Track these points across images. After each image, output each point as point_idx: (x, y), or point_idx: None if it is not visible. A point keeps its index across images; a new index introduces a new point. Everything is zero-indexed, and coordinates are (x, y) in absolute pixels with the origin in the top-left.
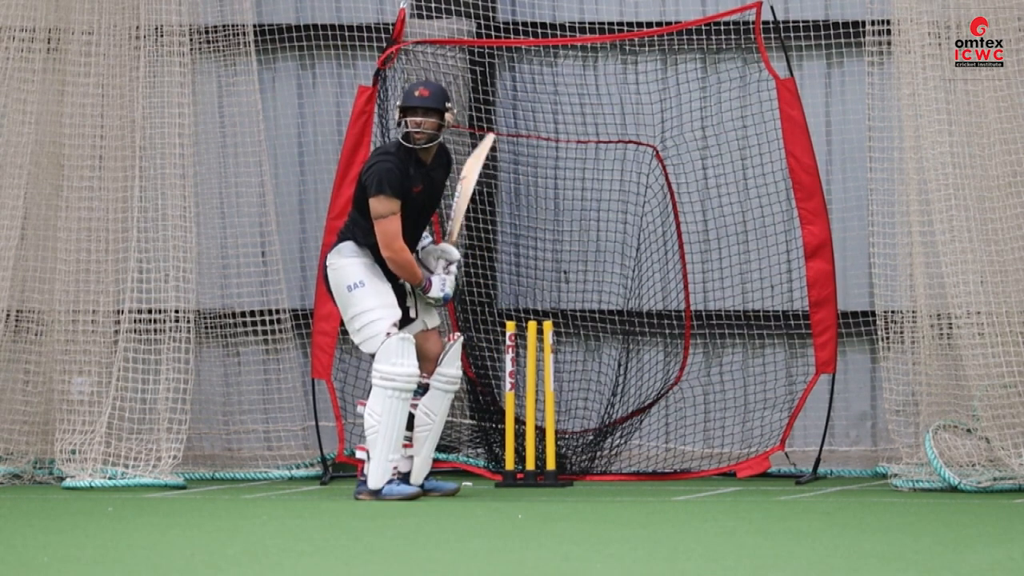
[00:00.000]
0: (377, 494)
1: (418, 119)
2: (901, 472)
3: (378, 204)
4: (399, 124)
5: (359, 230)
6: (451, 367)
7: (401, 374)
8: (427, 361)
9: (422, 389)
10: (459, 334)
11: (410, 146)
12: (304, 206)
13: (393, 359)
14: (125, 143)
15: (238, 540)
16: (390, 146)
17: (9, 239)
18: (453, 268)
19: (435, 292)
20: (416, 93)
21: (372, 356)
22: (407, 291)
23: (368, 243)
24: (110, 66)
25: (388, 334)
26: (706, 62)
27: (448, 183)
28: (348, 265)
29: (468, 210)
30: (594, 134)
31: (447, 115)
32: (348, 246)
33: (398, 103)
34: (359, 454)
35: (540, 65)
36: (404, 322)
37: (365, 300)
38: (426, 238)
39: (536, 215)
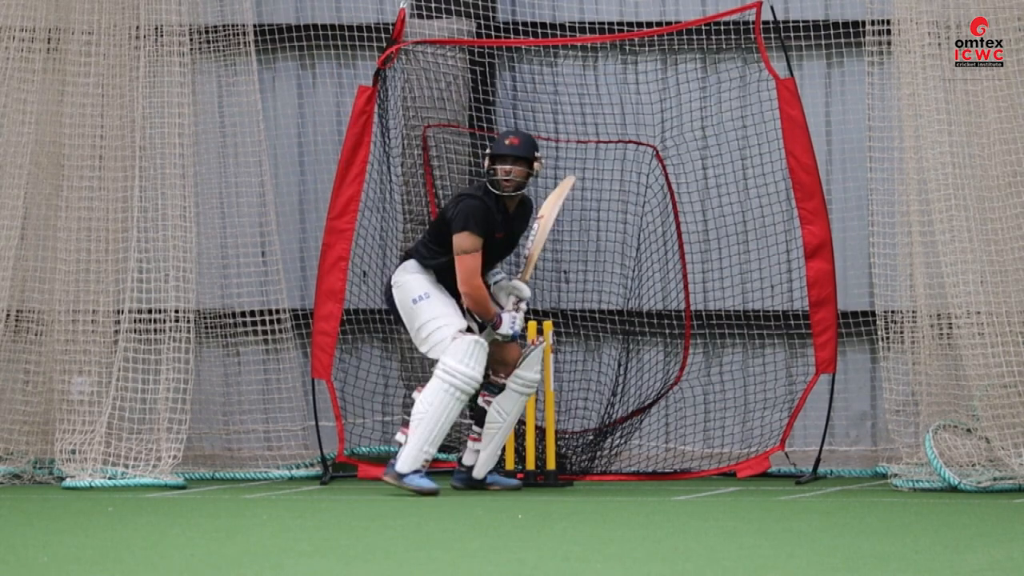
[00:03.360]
0: (401, 478)
1: (508, 167)
2: (901, 472)
3: (462, 240)
4: (488, 172)
5: (426, 251)
6: (529, 371)
7: (464, 373)
8: (505, 366)
9: (498, 388)
10: (542, 338)
11: (498, 193)
12: (304, 206)
13: (462, 357)
14: (125, 143)
15: (238, 540)
16: (477, 189)
17: (9, 239)
18: (523, 306)
19: (505, 329)
20: (507, 142)
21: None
22: (468, 312)
23: (432, 265)
24: (110, 66)
25: (463, 335)
26: (706, 62)
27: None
28: (412, 280)
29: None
30: (594, 134)
31: (535, 164)
32: (412, 264)
33: (488, 151)
34: (399, 436)
35: (540, 65)
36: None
37: (431, 310)
38: (498, 274)
39: (536, 215)
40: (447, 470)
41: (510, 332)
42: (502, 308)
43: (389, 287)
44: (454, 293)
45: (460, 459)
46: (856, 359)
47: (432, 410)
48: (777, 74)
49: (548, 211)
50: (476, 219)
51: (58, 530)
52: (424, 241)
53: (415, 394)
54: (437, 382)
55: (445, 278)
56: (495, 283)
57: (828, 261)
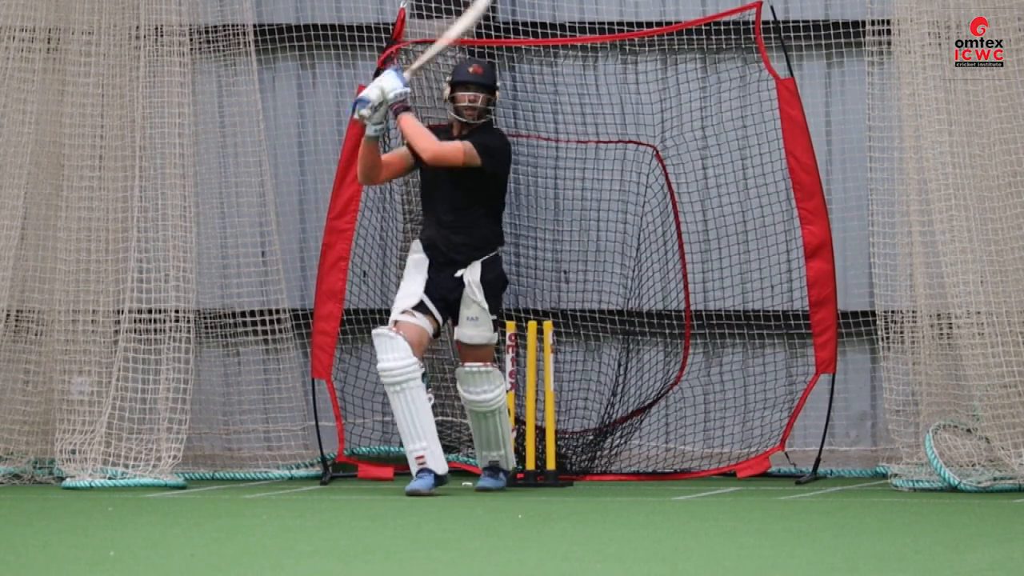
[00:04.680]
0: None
1: (471, 94)
2: (901, 472)
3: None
4: (449, 99)
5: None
6: (462, 389)
7: (380, 370)
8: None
9: None
10: (480, 366)
11: (462, 120)
12: (304, 206)
13: (377, 356)
14: (125, 143)
15: (238, 540)
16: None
17: (9, 239)
18: (386, 92)
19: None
20: (470, 69)
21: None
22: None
23: (421, 233)
24: (110, 66)
25: (401, 314)
26: (706, 62)
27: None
28: (407, 258)
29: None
30: (594, 134)
31: (496, 92)
32: (413, 243)
33: (448, 79)
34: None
35: (540, 65)
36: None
37: (400, 289)
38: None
39: (536, 215)
40: (453, 470)
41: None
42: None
43: None
44: (434, 263)
45: (419, 457)
46: (856, 359)
47: (395, 413)
48: (777, 74)
49: (457, 26)
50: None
51: (58, 530)
52: None
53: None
54: None
55: (427, 228)
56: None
57: (828, 261)
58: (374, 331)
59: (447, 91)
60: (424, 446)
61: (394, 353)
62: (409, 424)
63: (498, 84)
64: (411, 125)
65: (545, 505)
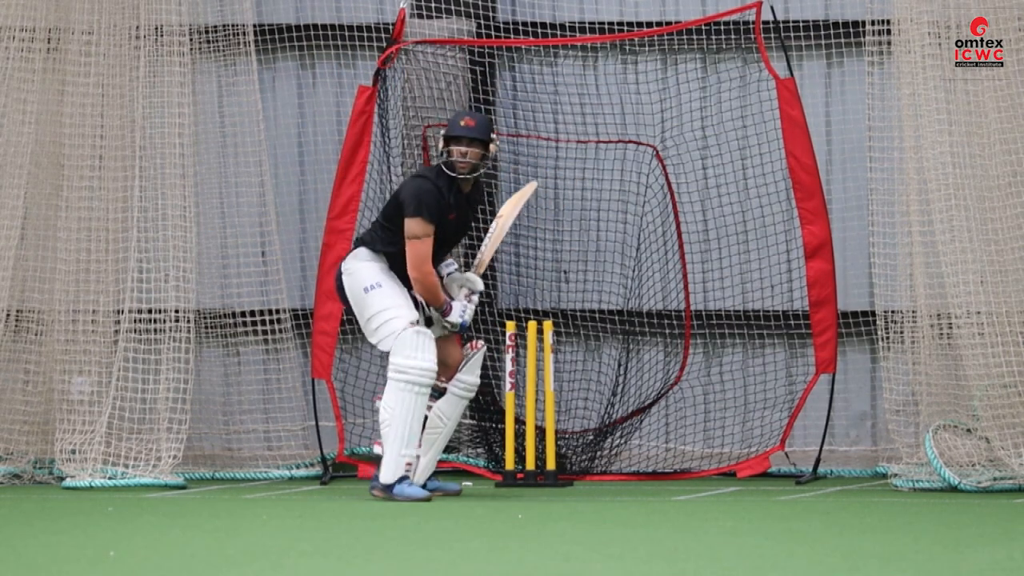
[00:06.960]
0: (389, 490)
1: (463, 148)
2: (901, 472)
3: (414, 225)
4: (442, 153)
5: (378, 239)
6: (471, 375)
7: (413, 367)
8: (446, 367)
9: (438, 393)
10: (483, 343)
11: (452, 175)
12: (304, 206)
13: (407, 351)
14: (125, 143)
15: (238, 540)
16: (430, 171)
17: (9, 239)
18: (475, 298)
19: (454, 317)
20: (462, 123)
21: (386, 355)
22: (420, 304)
23: (386, 251)
24: (110, 66)
25: (405, 329)
26: (706, 62)
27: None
28: (364, 268)
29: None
30: (594, 134)
31: (491, 146)
32: (363, 251)
33: (442, 132)
34: (376, 449)
35: (540, 65)
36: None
37: (382, 300)
38: (451, 265)
39: (536, 215)
40: (449, 470)
41: (459, 320)
42: (452, 298)
43: (339, 276)
44: (406, 281)
45: (409, 463)
46: (856, 359)
47: (396, 413)
48: (777, 74)
49: (508, 212)
50: (427, 203)
51: (58, 530)
52: (378, 226)
53: (376, 403)
54: (392, 383)
55: (397, 265)
56: (448, 275)
57: (828, 261)
58: (410, 328)
59: (441, 144)
60: (412, 455)
61: (431, 354)
62: (409, 428)
63: (493, 137)
64: (435, 297)
65: (545, 505)
